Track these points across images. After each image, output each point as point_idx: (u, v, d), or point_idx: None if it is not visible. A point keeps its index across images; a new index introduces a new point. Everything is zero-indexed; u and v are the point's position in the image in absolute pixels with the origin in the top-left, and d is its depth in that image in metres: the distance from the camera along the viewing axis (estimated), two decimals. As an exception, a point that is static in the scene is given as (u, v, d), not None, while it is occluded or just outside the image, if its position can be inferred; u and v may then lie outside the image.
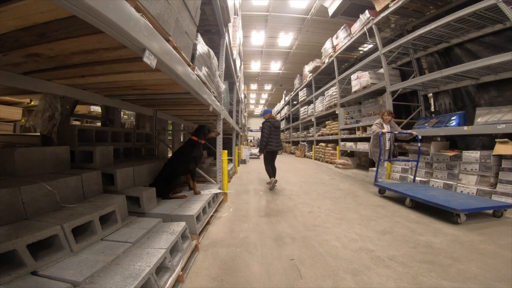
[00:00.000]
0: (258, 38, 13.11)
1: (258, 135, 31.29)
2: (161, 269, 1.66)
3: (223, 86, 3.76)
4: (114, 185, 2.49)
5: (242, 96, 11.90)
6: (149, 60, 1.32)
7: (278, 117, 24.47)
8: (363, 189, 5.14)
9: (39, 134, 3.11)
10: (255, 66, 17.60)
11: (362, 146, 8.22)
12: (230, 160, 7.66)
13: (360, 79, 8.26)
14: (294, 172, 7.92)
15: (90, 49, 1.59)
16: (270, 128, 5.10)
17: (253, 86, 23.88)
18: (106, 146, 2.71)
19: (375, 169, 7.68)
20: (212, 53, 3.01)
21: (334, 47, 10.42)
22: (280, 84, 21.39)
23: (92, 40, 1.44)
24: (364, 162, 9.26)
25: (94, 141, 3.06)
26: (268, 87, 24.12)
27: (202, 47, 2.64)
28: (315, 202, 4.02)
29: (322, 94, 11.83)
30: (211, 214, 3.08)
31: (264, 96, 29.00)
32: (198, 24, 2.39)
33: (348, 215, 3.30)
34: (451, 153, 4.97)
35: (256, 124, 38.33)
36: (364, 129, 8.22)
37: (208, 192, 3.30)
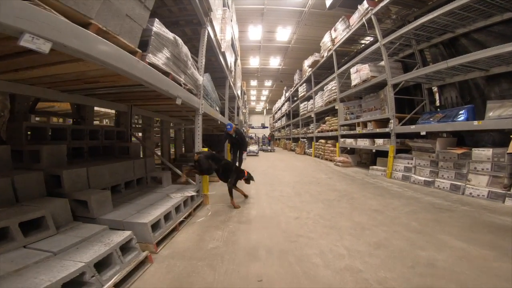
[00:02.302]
0: (255, 32, 12.66)
1: (259, 131, 30.84)
2: (83, 284, 1.43)
3: (201, 78, 3.39)
4: (62, 187, 2.18)
5: (239, 92, 11.49)
6: (34, 44, 1.03)
7: (279, 113, 24.14)
8: (361, 191, 4.74)
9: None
10: (254, 62, 17.12)
11: (363, 143, 7.78)
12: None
13: (359, 72, 7.79)
14: (290, 170, 7.54)
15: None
16: None
17: (253, 83, 23.42)
18: (56, 145, 2.40)
19: (376, 167, 7.31)
20: (180, 41, 2.64)
21: (332, 40, 9.97)
22: (280, 80, 20.89)
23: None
24: (365, 159, 8.82)
25: (51, 140, 2.76)
26: (268, 83, 23.64)
27: (162, 33, 2.28)
28: (305, 206, 3.64)
29: (322, 89, 11.38)
30: (181, 219, 2.74)
31: (265, 92, 28.51)
32: (151, 8, 2.03)
33: (340, 223, 2.91)
34: (459, 151, 4.52)
35: (257, 121, 37.94)
36: (365, 124, 7.77)
37: (180, 195, 2.95)
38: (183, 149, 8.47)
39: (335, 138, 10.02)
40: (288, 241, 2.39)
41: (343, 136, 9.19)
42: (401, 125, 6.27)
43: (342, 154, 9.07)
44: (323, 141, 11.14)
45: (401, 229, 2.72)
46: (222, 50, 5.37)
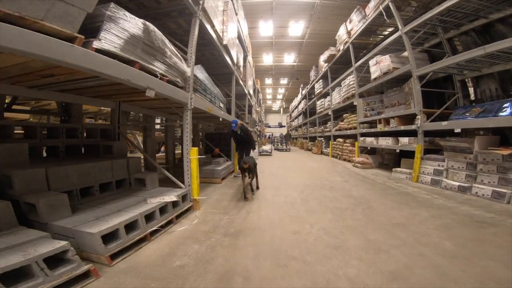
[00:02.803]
0: (266, 28, 12.18)
1: (276, 130, 30.15)
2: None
3: (188, 70, 3.04)
4: (13, 188, 2.02)
5: (251, 90, 11.09)
6: None
7: (296, 112, 23.41)
8: (382, 197, 4.09)
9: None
10: (267, 59, 16.64)
11: (385, 142, 6.99)
12: (228, 158, 6.93)
13: (379, 64, 7.03)
14: (302, 172, 6.98)
15: None
16: None
17: (268, 81, 22.93)
18: (16, 144, 2.22)
19: (400, 169, 6.46)
20: (152, 27, 2.31)
21: (348, 33, 9.30)
22: (297, 77, 20.20)
23: None
24: (387, 160, 7.97)
25: (23, 138, 2.62)
26: (284, 81, 23.02)
27: (123, 18, 1.97)
28: (310, 216, 3.12)
29: (339, 84, 10.67)
30: (155, 228, 2.41)
31: (281, 90, 27.90)
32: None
33: (349, 241, 2.37)
34: (505, 151, 3.71)
35: (274, 120, 37.34)
36: (387, 121, 6.98)
37: (158, 200, 2.61)
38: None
39: (354, 137, 9.26)
40: (276, 265, 1.91)
41: (363, 135, 8.42)
42: (430, 121, 5.47)
43: (362, 155, 8.31)
44: (341, 140, 10.39)
45: (429, 251, 2.12)
46: (224, 43, 5.01)
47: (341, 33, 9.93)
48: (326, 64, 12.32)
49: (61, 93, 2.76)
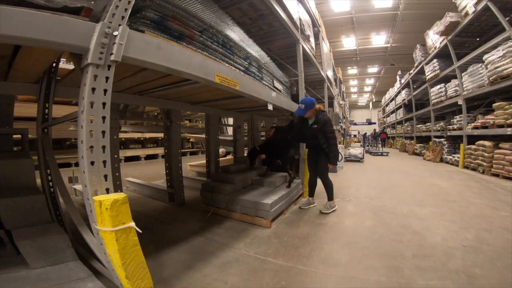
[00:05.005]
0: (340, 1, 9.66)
1: (364, 128, 25.28)
2: None
3: None
4: None
5: (330, 74, 8.64)
6: None
7: (392, 105, 18.92)
8: None
9: None
10: (349, 43, 13.64)
11: None
12: (294, 176, 4.17)
13: None
14: (433, 203, 3.83)
15: None
16: None
17: (352, 71, 19.47)
18: None
19: None
20: None
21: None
22: (392, 63, 16.12)
23: None
24: None
25: None
26: (373, 69, 19.02)
27: None
28: None
29: (479, 60, 7.16)
30: None
31: (369, 81, 23.52)
32: None
33: None
34: None
35: (361, 116, 32.53)
36: None
37: None
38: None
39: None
40: None
41: (547, 138, 4.95)
42: None
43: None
44: (487, 143, 6.80)
45: None
46: None
47: (461, -8, 6.93)
48: (443, 38, 8.98)
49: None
